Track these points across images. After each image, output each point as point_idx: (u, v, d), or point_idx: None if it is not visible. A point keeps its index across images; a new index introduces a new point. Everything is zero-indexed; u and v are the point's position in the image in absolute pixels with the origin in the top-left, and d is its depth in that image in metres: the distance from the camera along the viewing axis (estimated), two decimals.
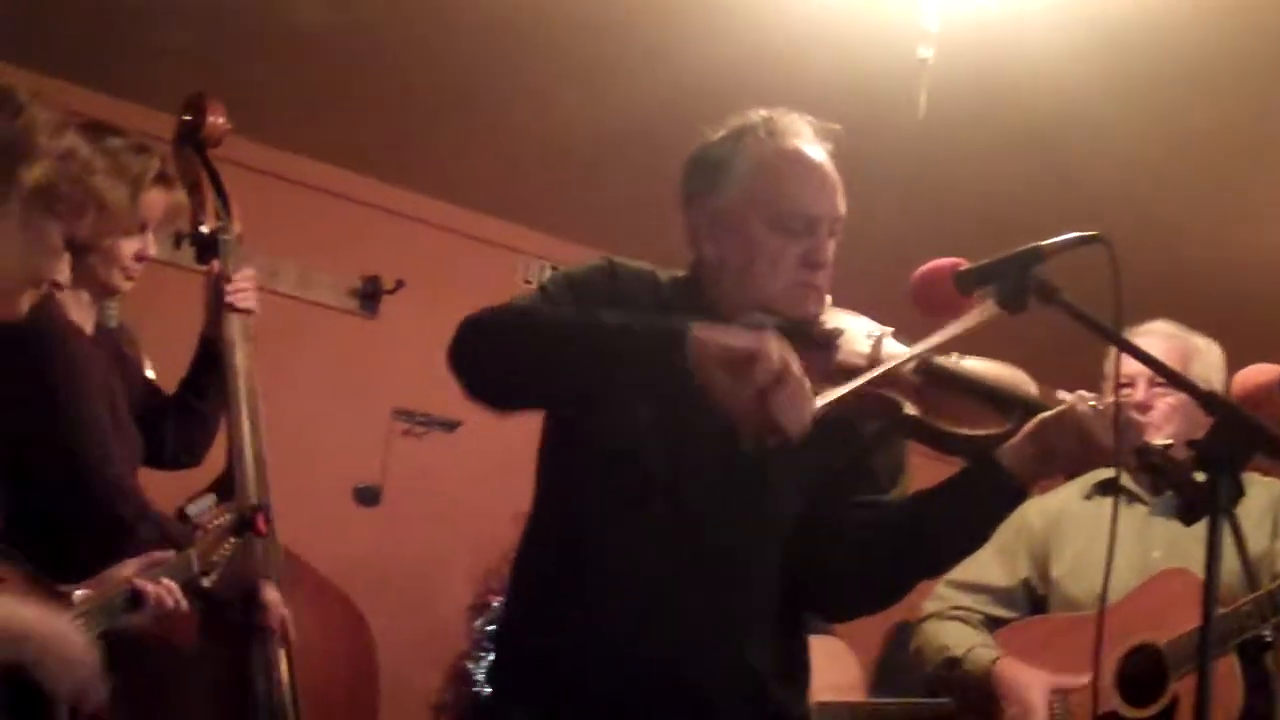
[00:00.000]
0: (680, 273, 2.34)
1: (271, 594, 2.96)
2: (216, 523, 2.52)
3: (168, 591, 2.37)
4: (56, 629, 2.13)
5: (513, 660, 2.29)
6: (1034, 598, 3.21)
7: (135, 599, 2.31)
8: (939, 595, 3.30)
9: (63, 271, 2.19)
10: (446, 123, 4.87)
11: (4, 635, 2.06)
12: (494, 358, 2.12)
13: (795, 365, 1.93)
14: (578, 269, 2.30)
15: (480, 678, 4.43)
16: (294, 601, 3.04)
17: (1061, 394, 2.14)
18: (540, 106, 4.64)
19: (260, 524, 2.65)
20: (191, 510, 2.49)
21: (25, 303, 2.17)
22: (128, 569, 2.35)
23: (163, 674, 2.86)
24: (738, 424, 1.95)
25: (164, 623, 2.50)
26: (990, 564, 3.25)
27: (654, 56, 4.25)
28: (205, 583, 2.48)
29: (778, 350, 1.92)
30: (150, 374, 3.53)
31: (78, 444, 2.65)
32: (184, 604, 2.39)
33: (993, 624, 3.19)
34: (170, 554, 2.43)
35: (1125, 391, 3.02)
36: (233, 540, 2.58)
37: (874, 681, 4.65)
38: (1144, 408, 3.02)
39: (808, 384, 1.94)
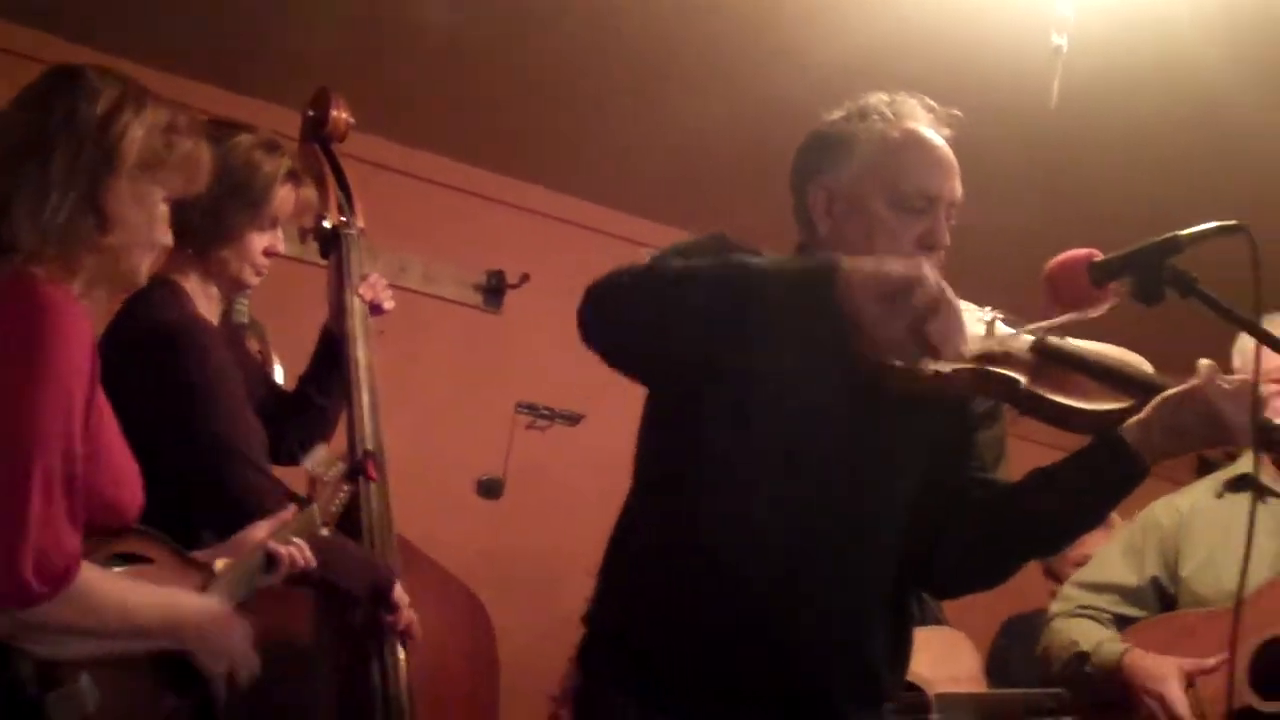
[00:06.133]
0: (784, 256, 2.33)
1: (403, 594, 2.98)
2: (330, 473, 2.56)
3: (299, 550, 2.43)
4: (213, 615, 2.24)
5: (610, 641, 2.27)
6: (1163, 596, 3.16)
7: (271, 562, 2.37)
8: (1065, 596, 3.26)
9: (167, 234, 2.27)
10: (571, 117, 4.88)
11: (165, 625, 2.17)
12: (636, 310, 2.09)
13: (950, 292, 1.93)
14: (690, 240, 2.28)
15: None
16: (414, 593, 3.05)
17: (1202, 361, 2.10)
18: (667, 101, 4.63)
19: (370, 470, 2.69)
20: (308, 463, 2.54)
21: (146, 271, 2.27)
22: (259, 532, 2.41)
23: (279, 670, 2.90)
24: (890, 353, 1.95)
25: (281, 616, 2.57)
26: (1118, 563, 3.21)
27: (783, 48, 4.22)
28: (324, 533, 2.54)
29: (934, 275, 1.92)
30: (279, 369, 3.58)
31: (219, 433, 2.67)
32: (314, 563, 2.45)
33: (1121, 623, 3.15)
34: (293, 511, 2.48)
35: None
36: (346, 489, 2.62)
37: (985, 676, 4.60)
38: None
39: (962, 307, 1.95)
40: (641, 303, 2.08)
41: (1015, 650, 4.59)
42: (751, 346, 2.08)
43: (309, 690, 2.96)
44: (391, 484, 3.18)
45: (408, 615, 2.97)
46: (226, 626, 2.26)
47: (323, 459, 2.56)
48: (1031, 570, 4.40)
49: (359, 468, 2.67)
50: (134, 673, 2.16)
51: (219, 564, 2.31)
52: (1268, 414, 2.10)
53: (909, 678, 3.89)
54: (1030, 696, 4.05)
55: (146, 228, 2.21)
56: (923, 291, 1.91)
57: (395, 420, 3.28)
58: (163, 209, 2.24)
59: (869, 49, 4.05)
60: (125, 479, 2.21)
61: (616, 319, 2.11)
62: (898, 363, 1.98)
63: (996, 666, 4.61)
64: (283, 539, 2.41)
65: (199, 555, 2.33)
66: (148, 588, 2.17)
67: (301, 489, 2.69)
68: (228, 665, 2.26)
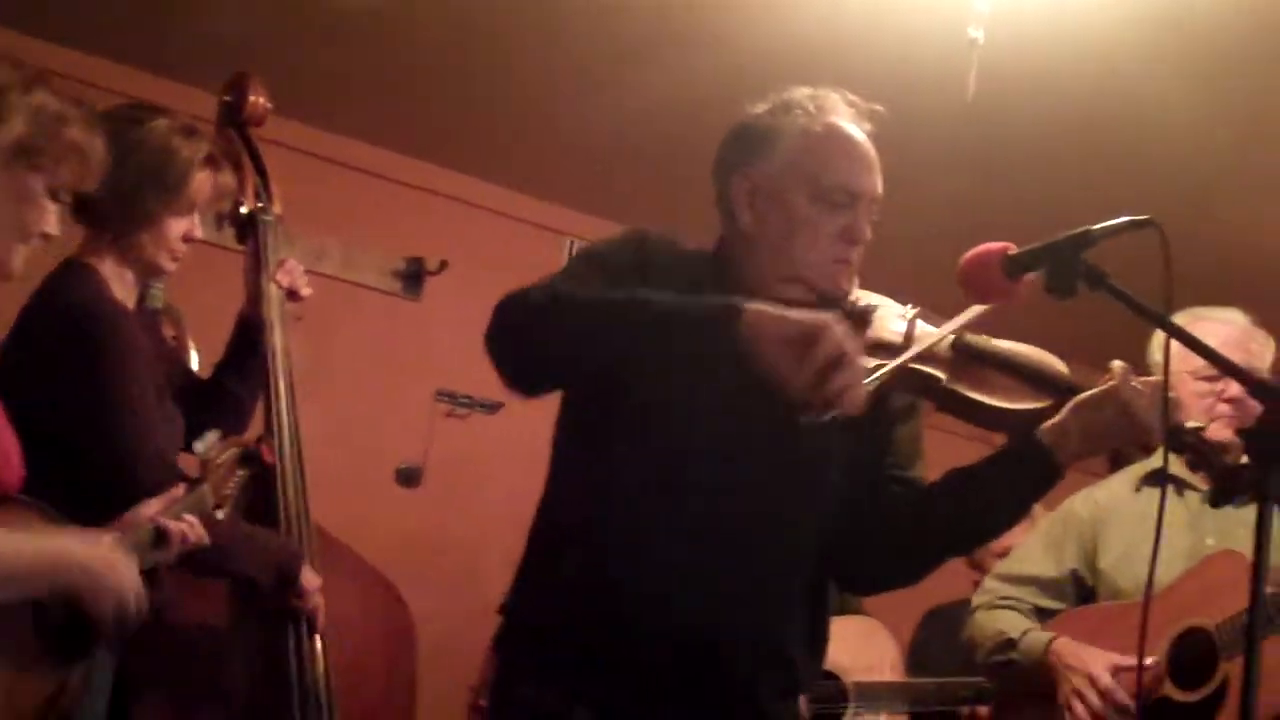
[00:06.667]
0: (705, 248, 2.34)
1: (311, 577, 2.97)
2: (223, 456, 2.54)
3: (190, 527, 2.41)
4: (99, 556, 2.21)
5: (529, 632, 2.27)
6: (1082, 589, 3.19)
7: (160, 537, 2.36)
8: (987, 589, 3.29)
9: (51, 223, 2.24)
10: (492, 104, 4.86)
11: (47, 566, 2.14)
12: (536, 341, 2.12)
13: (854, 346, 1.94)
14: (606, 242, 2.31)
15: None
16: (331, 583, 3.04)
17: (1115, 363, 2.13)
18: (588, 89, 4.62)
19: (266, 454, 2.66)
20: (199, 447, 2.52)
21: (19, 260, 2.23)
22: (150, 508, 2.39)
23: (194, 658, 2.88)
24: (792, 402, 1.95)
25: (196, 602, 2.56)
26: (1038, 556, 3.25)
27: (703, 39, 4.23)
28: (219, 515, 2.52)
29: (839, 330, 1.93)
30: (195, 355, 3.54)
31: (120, 418, 2.65)
32: (206, 539, 2.43)
33: (1041, 615, 3.18)
34: (183, 489, 2.47)
35: (1218, 386, 3.00)
36: (241, 473, 2.60)
37: (905, 667, 4.65)
38: (1238, 403, 2.98)
39: (865, 364, 1.96)
40: (546, 340, 2.11)
41: (936, 641, 4.63)
42: (660, 381, 2.12)
43: (223, 677, 2.94)
44: (309, 472, 3.16)
45: (315, 600, 2.96)
46: (116, 572, 2.22)
47: (214, 443, 2.54)
48: (954, 561, 4.44)
49: (253, 452, 2.64)
50: (17, 644, 2.15)
51: (105, 539, 2.29)
52: (1182, 414, 2.13)
53: (827, 666, 3.93)
54: (947, 685, 4.10)
55: (15, 216, 2.18)
56: (826, 343, 1.91)
57: (313, 408, 3.26)
58: (47, 201, 2.21)
59: (788, 40, 4.07)
60: (4, 454, 2.20)
61: (521, 352, 2.14)
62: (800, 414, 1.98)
63: (917, 657, 4.65)
64: (173, 515, 2.39)
65: (90, 531, 2.31)
66: (27, 534, 2.15)
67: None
68: (116, 605, 2.21)
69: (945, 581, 3.59)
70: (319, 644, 2.99)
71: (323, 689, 2.98)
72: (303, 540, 3.04)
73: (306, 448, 3.18)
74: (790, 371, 1.92)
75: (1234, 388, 2.96)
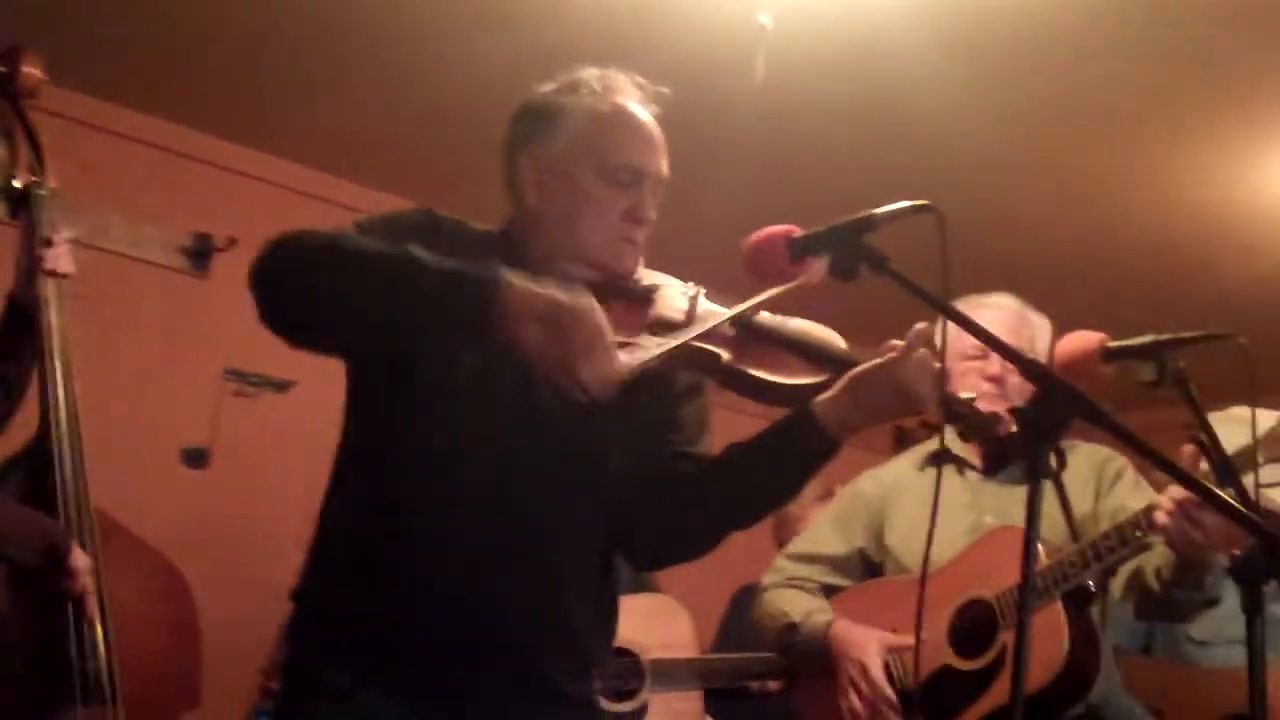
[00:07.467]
0: (492, 228, 2.34)
1: (80, 560, 2.91)
2: None
3: None
4: None
5: (321, 617, 2.23)
6: (869, 565, 3.26)
7: None
8: (777, 568, 3.35)
9: None
10: (281, 77, 4.77)
11: None
12: (297, 284, 2.04)
13: (606, 327, 1.95)
14: (397, 213, 2.27)
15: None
16: (110, 566, 2.98)
17: (893, 342, 2.18)
18: (379, 64, 4.58)
19: None
20: None
21: None
22: None
23: None
24: (546, 379, 1.97)
25: None
26: (825, 534, 3.32)
27: (494, 20, 4.21)
28: None
29: (590, 312, 1.94)
30: None
31: None
32: None
33: (829, 592, 3.25)
34: None
35: (980, 364, 3.08)
36: None
37: (717, 645, 4.72)
38: (999, 381, 3.07)
39: (616, 345, 1.97)
40: (307, 287, 2.04)
41: (741, 621, 4.70)
42: (420, 344, 2.10)
43: (1, 662, 2.87)
44: (90, 453, 3.09)
45: (85, 581, 2.90)
46: None
47: None
48: (764, 542, 4.50)
49: None
50: None
51: None
52: (953, 389, 2.19)
53: (623, 644, 3.96)
54: (740, 661, 4.17)
55: None
56: (576, 327, 1.92)
57: (95, 387, 3.17)
58: None
59: (581, 21, 4.08)
60: None
61: (283, 294, 2.05)
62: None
63: (728, 635, 4.72)
64: None
65: None
66: None
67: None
68: None
69: (755, 560, 3.66)
70: (99, 627, 2.93)
71: (104, 672, 2.92)
72: (79, 523, 2.97)
73: (88, 428, 3.10)
74: (542, 350, 1.93)
75: (994, 365, 3.07)
